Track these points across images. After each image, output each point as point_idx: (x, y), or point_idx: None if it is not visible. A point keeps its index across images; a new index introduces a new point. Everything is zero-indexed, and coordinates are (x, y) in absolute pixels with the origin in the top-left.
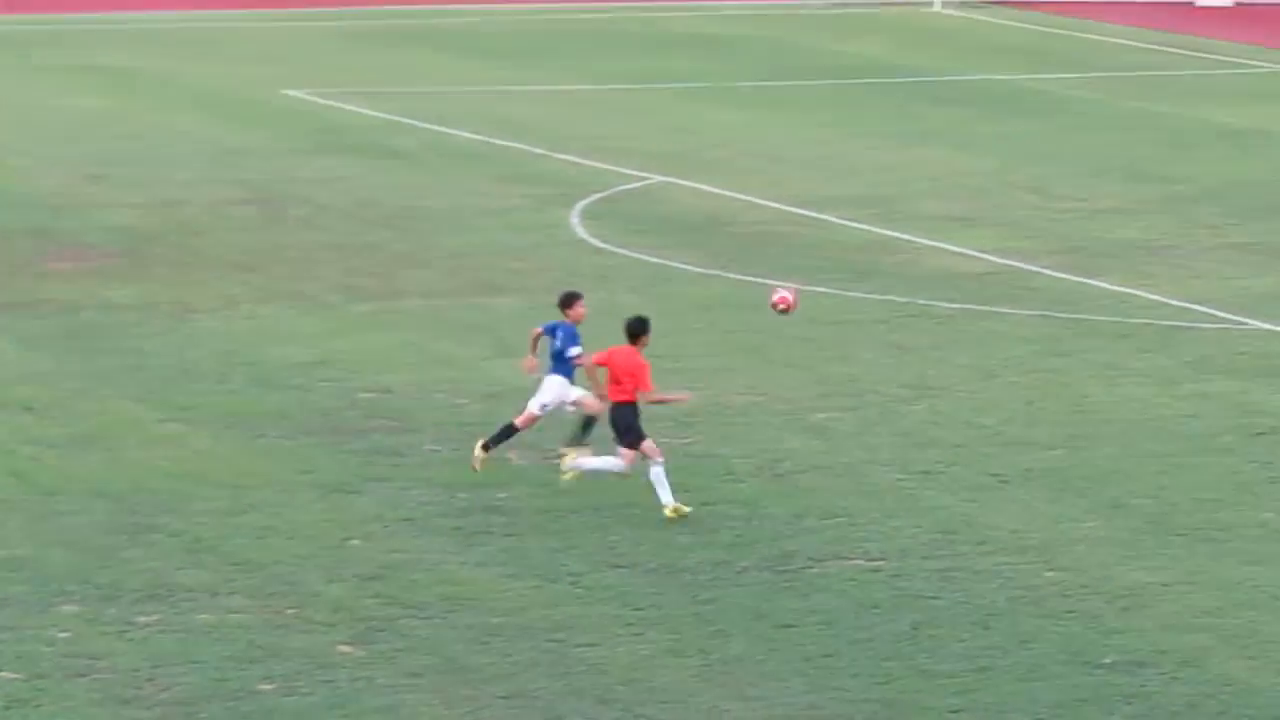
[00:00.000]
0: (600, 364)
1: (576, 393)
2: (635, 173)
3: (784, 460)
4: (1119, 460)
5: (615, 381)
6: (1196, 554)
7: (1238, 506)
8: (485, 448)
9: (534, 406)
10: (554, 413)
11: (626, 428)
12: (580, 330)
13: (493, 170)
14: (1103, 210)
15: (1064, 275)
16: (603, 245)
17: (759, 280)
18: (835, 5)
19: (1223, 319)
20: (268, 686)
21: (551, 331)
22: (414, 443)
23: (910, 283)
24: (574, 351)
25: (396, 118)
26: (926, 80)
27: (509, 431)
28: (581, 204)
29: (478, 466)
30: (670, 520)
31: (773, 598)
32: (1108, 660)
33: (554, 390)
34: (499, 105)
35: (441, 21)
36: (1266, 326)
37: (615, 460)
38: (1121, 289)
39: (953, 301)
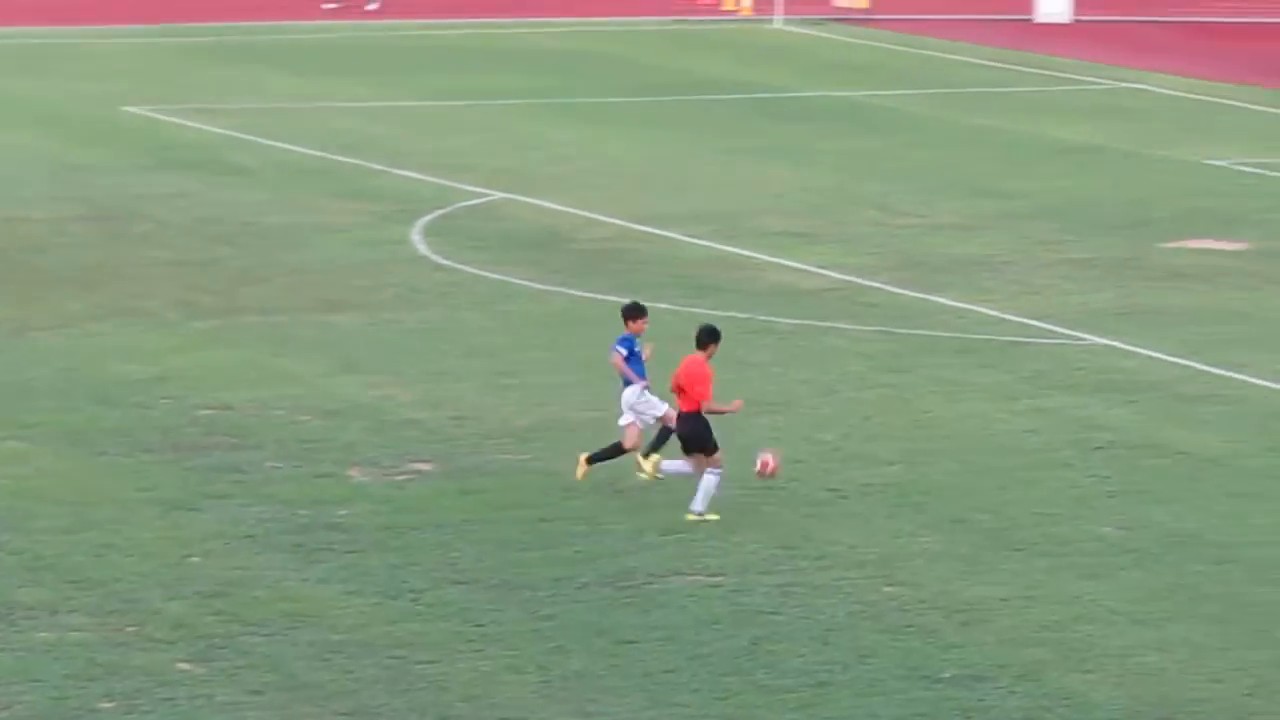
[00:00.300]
0: (674, 388)
1: (656, 407)
2: (476, 189)
3: (624, 476)
4: (958, 475)
5: (680, 391)
6: (1034, 568)
7: (1075, 521)
8: (588, 462)
9: (624, 421)
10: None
11: (694, 437)
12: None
13: (333, 187)
14: (942, 226)
15: (904, 291)
16: (444, 262)
17: (599, 296)
18: (676, 21)
19: (1061, 334)
20: (108, 705)
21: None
22: (254, 460)
23: (750, 299)
24: (621, 350)
25: (237, 134)
26: (768, 96)
27: (615, 451)
28: (422, 221)
29: (580, 476)
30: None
31: (613, 613)
32: (946, 674)
33: (634, 399)
34: (339, 121)
35: (281, 38)
36: (1104, 342)
37: (710, 479)
38: (961, 305)
39: (793, 317)
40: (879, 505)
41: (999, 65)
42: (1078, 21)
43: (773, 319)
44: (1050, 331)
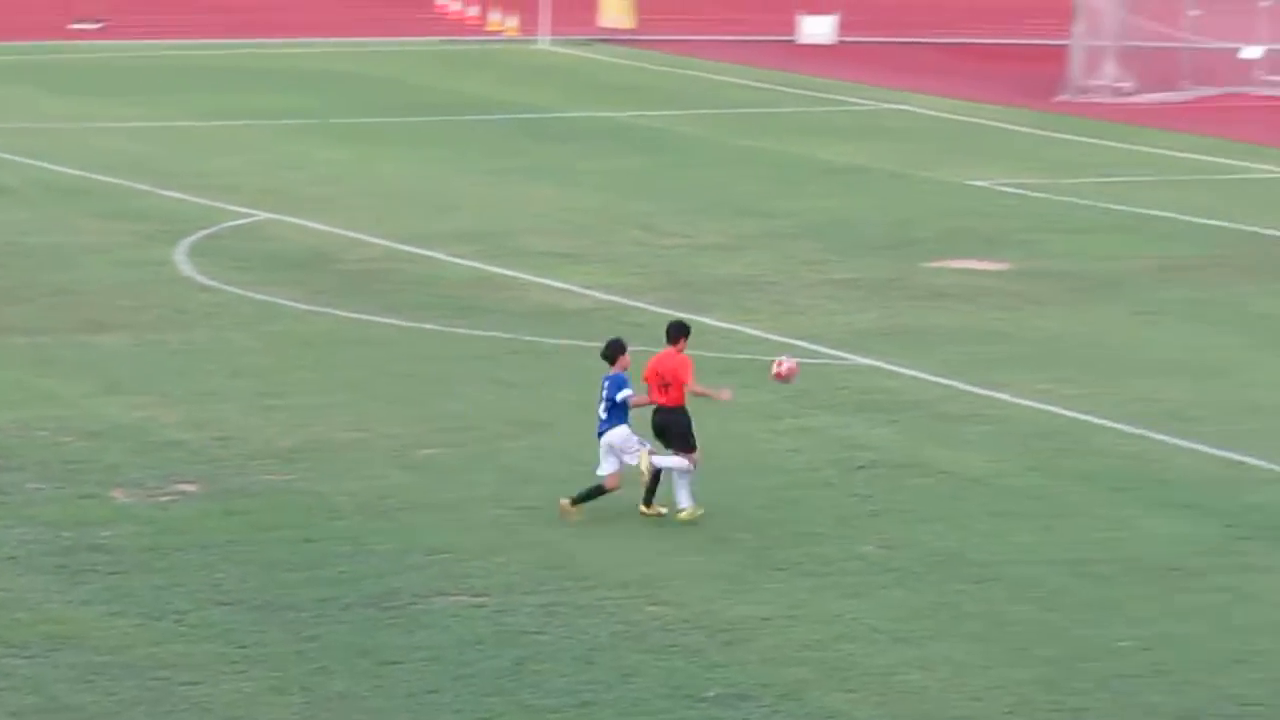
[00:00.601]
0: (646, 379)
1: (636, 447)
2: (241, 209)
3: (389, 497)
4: (722, 495)
5: (663, 387)
6: (797, 588)
7: (838, 540)
8: (573, 504)
9: (607, 468)
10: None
11: (681, 433)
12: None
13: (96, 207)
14: (707, 246)
15: (669, 311)
16: (209, 282)
17: (365, 317)
18: (443, 42)
19: (825, 354)
20: None
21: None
22: (16, 481)
23: (515, 319)
24: (625, 394)
25: None
26: (533, 117)
27: (597, 491)
28: (187, 241)
29: (569, 519)
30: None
31: (376, 634)
32: (710, 694)
33: (622, 440)
34: (102, 141)
35: (43, 58)
36: (867, 362)
37: (681, 477)
38: (726, 325)
39: (557, 337)
40: (643, 525)
41: (764, 86)
42: (841, 42)
43: (537, 339)
44: (814, 351)
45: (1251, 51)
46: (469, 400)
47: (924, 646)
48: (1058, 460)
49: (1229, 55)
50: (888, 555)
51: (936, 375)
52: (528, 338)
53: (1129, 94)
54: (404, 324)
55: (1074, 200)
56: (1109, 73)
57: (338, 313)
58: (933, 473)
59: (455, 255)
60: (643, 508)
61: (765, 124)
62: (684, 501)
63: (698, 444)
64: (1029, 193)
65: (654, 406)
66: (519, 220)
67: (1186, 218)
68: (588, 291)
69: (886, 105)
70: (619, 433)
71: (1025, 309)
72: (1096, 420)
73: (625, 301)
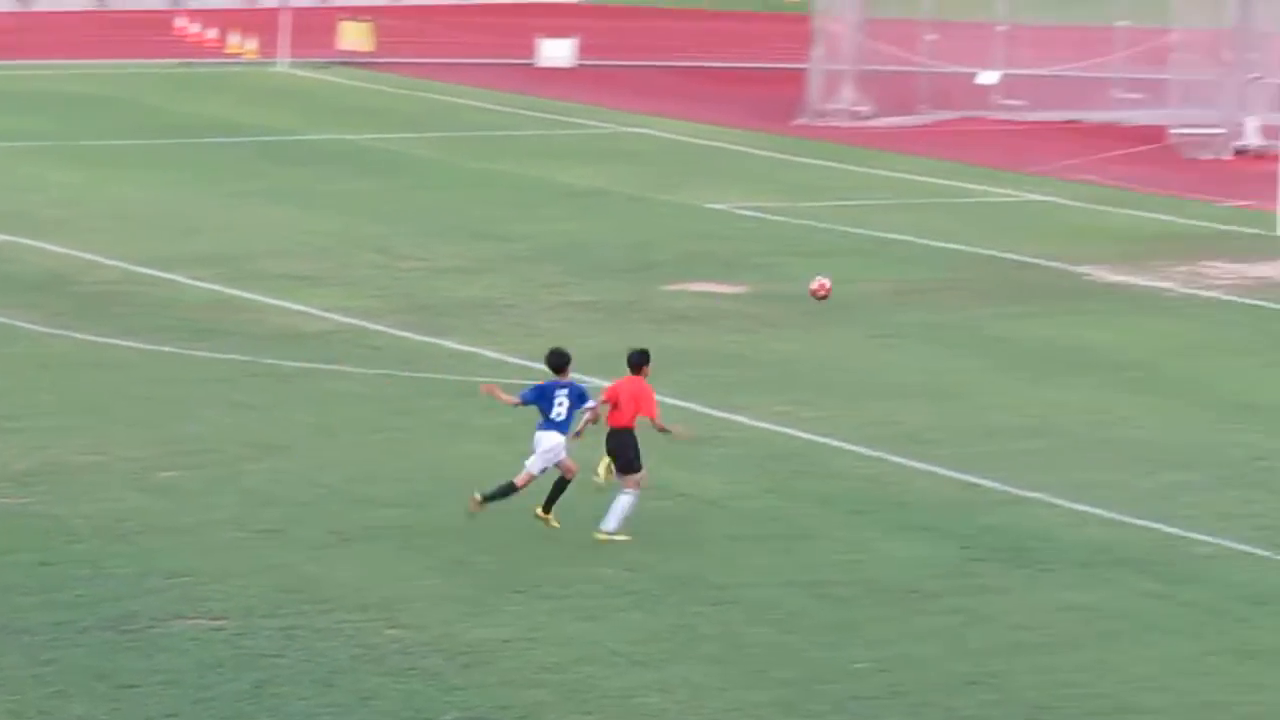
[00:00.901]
0: (608, 399)
1: (562, 454)
2: None
3: (127, 520)
4: (461, 518)
5: (616, 408)
6: (536, 610)
7: (577, 563)
8: (482, 501)
9: (535, 467)
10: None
11: (634, 453)
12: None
13: None
14: (446, 269)
15: (408, 334)
16: None
17: (103, 340)
18: (181, 64)
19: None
20: None
21: (541, 395)
22: None
23: (254, 342)
24: (589, 404)
25: None
26: (272, 140)
27: (508, 490)
28: None
29: (473, 509)
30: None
31: (115, 658)
32: (448, 717)
33: (553, 447)
34: None
35: None
36: (603, 383)
37: (625, 499)
38: (465, 348)
39: (296, 360)
40: (382, 548)
41: (504, 109)
42: (581, 66)
43: (276, 361)
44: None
45: (988, 77)
46: (208, 423)
47: (662, 669)
48: (795, 482)
49: (966, 80)
50: (627, 578)
51: (675, 398)
52: (267, 360)
53: (867, 118)
54: (143, 347)
55: (812, 223)
56: (847, 96)
57: (76, 335)
58: (671, 495)
59: (194, 278)
60: (539, 511)
61: (504, 147)
62: (610, 524)
63: (644, 466)
64: (767, 216)
65: (608, 429)
66: (258, 243)
67: (923, 241)
68: (327, 314)
69: (625, 129)
70: (554, 438)
71: (763, 332)
72: (834, 443)
73: (364, 324)
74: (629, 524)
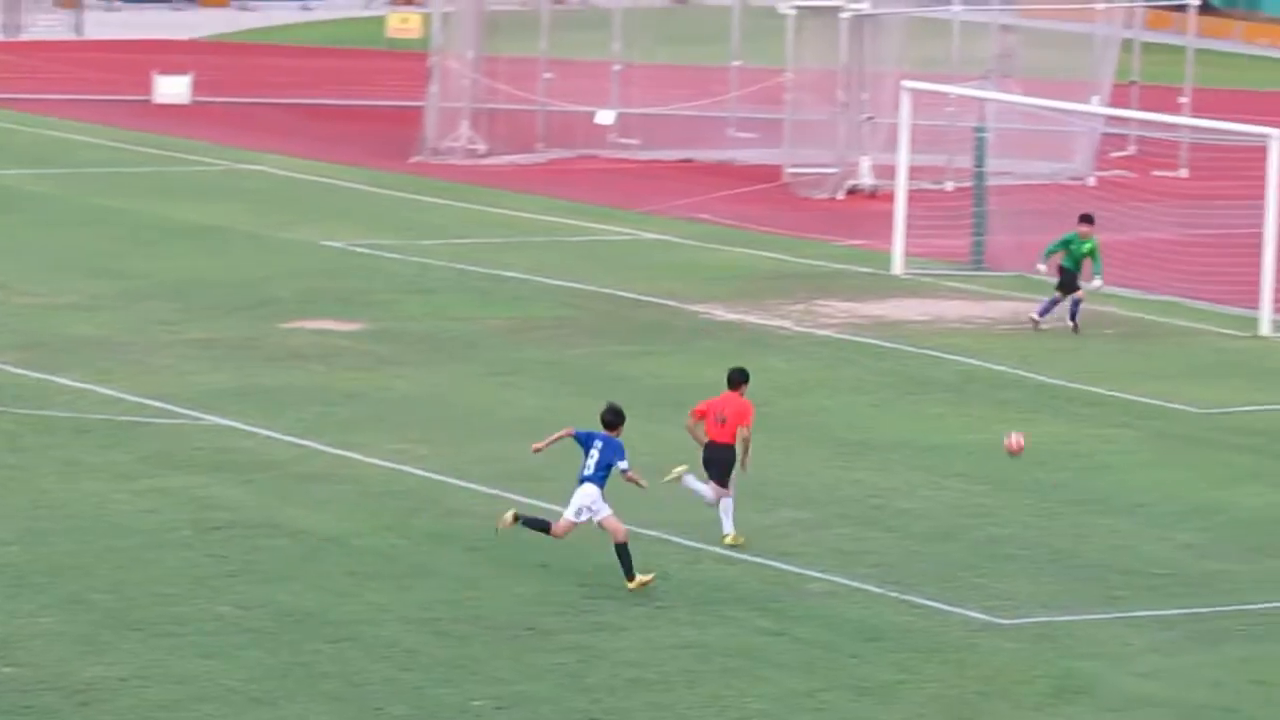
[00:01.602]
0: (701, 415)
1: (605, 511)
2: None
3: None
4: (77, 555)
5: (719, 420)
6: (154, 648)
7: (194, 600)
8: (515, 518)
9: (570, 514)
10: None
11: (729, 468)
12: None
13: None
14: (63, 306)
15: (24, 371)
16: None
17: None
18: None
19: (180, 414)
20: None
21: (586, 440)
22: None
23: None
24: (623, 465)
25: None
26: None
27: (542, 527)
28: None
29: (505, 525)
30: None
31: None
32: None
33: (589, 498)
34: None
35: None
36: (223, 422)
37: (728, 501)
38: (80, 385)
39: None
40: None
41: (121, 146)
42: (196, 103)
43: None
44: (169, 411)
45: (605, 116)
46: None
47: (280, 707)
48: (412, 520)
49: (583, 118)
50: (244, 615)
51: (292, 435)
52: None
53: (484, 156)
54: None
55: (428, 261)
56: (464, 134)
57: None
58: (288, 533)
59: None
60: (629, 585)
61: (121, 184)
62: (730, 526)
63: (734, 482)
64: (384, 254)
65: (708, 442)
66: None
67: (539, 279)
68: None
69: (242, 166)
70: (591, 491)
71: (379, 369)
72: (451, 480)
73: None
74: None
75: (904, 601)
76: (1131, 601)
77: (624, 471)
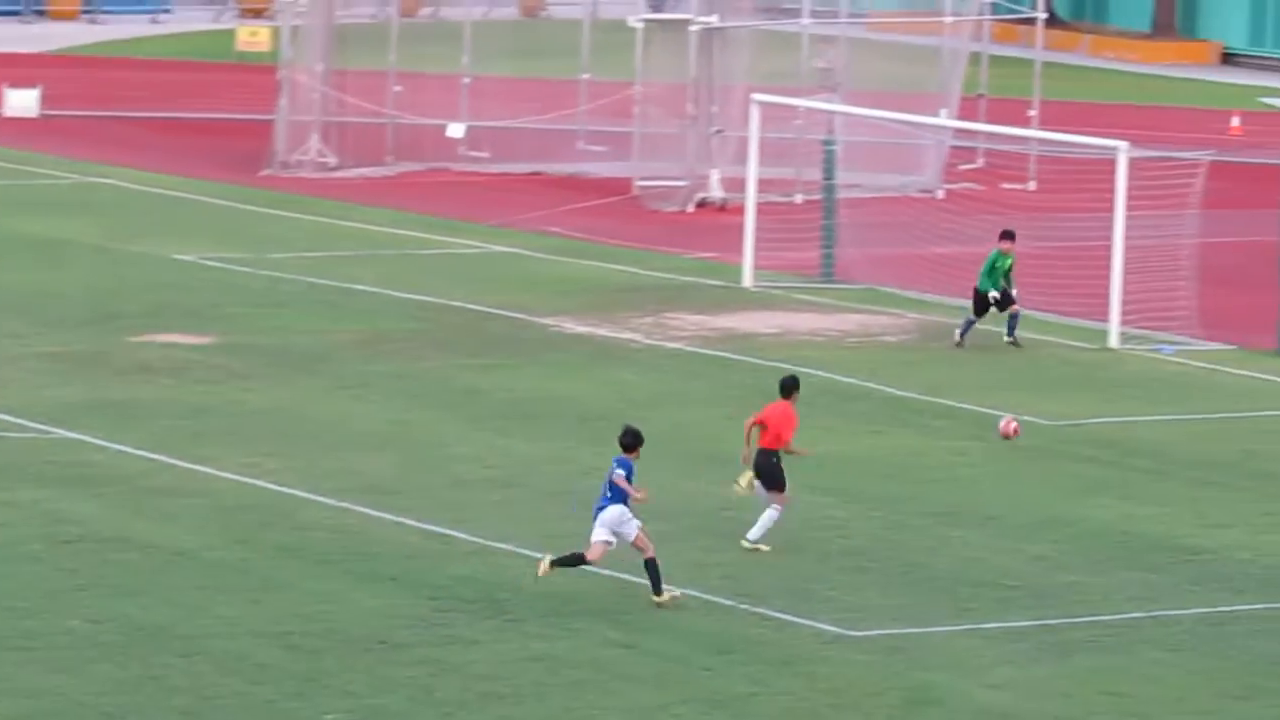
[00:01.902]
0: (759, 422)
1: (633, 529)
2: None
3: None
4: None
5: (763, 429)
6: (4, 662)
7: (45, 614)
8: (552, 565)
9: (602, 536)
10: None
11: (770, 473)
12: None
13: None
14: None
15: None
16: None
17: None
18: None
19: (30, 428)
20: None
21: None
22: None
23: None
24: (619, 471)
25: None
26: None
27: (578, 560)
28: None
29: (540, 574)
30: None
31: None
32: None
33: (617, 520)
34: None
35: None
36: (73, 436)
37: (771, 513)
38: None
39: None
40: None
41: None
42: (44, 116)
43: None
44: (19, 425)
45: (456, 130)
46: None
47: None
48: (262, 534)
49: (432, 131)
50: (94, 629)
51: (142, 449)
52: None
53: (334, 169)
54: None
55: (278, 274)
56: (313, 148)
57: None
58: (139, 546)
59: None
60: (658, 600)
61: None
62: (754, 534)
63: (785, 486)
64: (233, 267)
65: (758, 449)
66: None
67: (389, 292)
68: None
69: (90, 179)
70: (613, 511)
71: (229, 383)
72: (301, 494)
73: None
74: (769, 537)
75: (755, 614)
76: (983, 613)
77: (615, 474)
